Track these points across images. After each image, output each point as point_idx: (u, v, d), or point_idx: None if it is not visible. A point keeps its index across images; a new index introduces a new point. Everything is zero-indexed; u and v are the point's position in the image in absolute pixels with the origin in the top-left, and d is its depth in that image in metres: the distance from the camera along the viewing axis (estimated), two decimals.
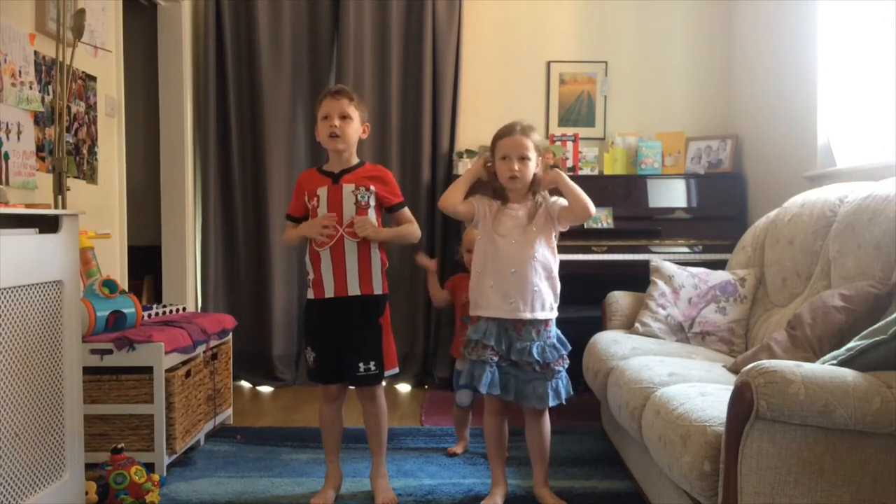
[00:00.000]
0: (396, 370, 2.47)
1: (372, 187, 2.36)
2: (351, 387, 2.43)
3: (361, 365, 2.33)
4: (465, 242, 2.88)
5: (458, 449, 2.90)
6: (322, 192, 2.35)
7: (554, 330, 2.33)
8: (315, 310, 2.39)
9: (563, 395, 2.31)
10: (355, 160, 2.42)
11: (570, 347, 2.34)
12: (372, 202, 2.36)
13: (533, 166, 2.28)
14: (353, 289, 2.33)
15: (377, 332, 2.36)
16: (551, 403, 2.29)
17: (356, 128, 2.37)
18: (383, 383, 2.44)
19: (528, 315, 2.26)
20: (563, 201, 2.30)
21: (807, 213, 2.64)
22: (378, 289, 2.37)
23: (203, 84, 4.14)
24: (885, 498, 1.48)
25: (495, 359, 2.27)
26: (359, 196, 2.34)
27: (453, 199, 2.35)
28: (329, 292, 2.33)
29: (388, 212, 2.43)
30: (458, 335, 2.89)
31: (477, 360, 2.28)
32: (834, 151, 3.26)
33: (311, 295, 2.38)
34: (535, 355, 2.25)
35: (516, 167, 2.26)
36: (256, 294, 4.18)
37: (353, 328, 2.35)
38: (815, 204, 2.63)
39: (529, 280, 2.25)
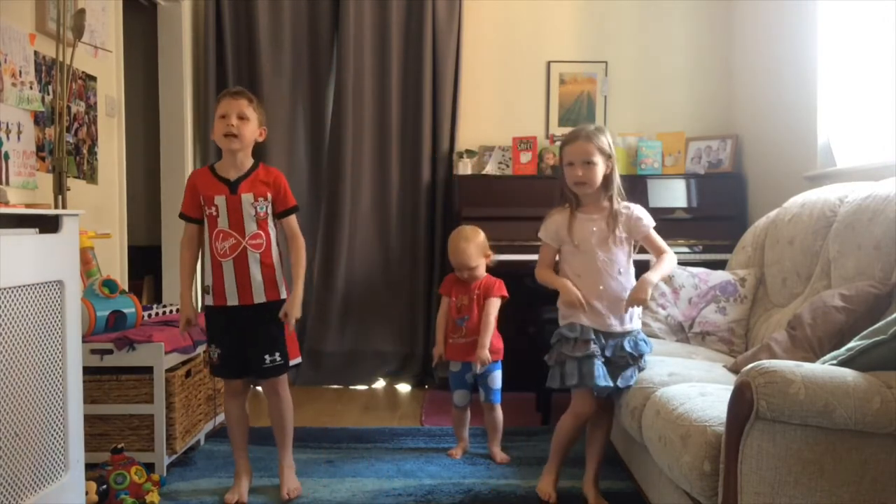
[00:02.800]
0: (299, 360, 2.50)
1: (269, 195, 2.37)
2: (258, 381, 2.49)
3: (267, 357, 2.37)
4: (452, 261, 2.88)
5: (458, 452, 2.88)
6: (220, 201, 2.34)
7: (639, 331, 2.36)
8: (216, 314, 2.41)
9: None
10: (250, 162, 2.41)
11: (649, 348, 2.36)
12: (270, 211, 2.38)
13: (601, 170, 2.26)
14: (259, 297, 2.36)
15: (280, 325, 2.39)
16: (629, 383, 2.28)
17: (253, 129, 2.37)
18: (286, 375, 2.48)
19: (618, 329, 2.29)
20: (646, 222, 2.31)
21: (807, 214, 2.64)
22: (283, 293, 2.42)
23: (203, 84, 4.14)
24: (886, 498, 1.48)
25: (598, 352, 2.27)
26: (258, 208, 2.35)
27: (544, 275, 2.38)
28: (232, 301, 2.36)
29: (277, 217, 2.41)
30: (449, 336, 2.89)
31: (583, 357, 2.25)
32: (834, 151, 3.26)
33: (210, 302, 2.40)
34: (628, 349, 2.27)
35: (580, 173, 2.26)
36: None
37: (256, 326, 2.38)
38: (815, 204, 2.63)
39: (618, 295, 2.27)
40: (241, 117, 2.33)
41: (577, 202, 2.34)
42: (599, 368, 2.23)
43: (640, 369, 2.29)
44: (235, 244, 2.34)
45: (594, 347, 2.25)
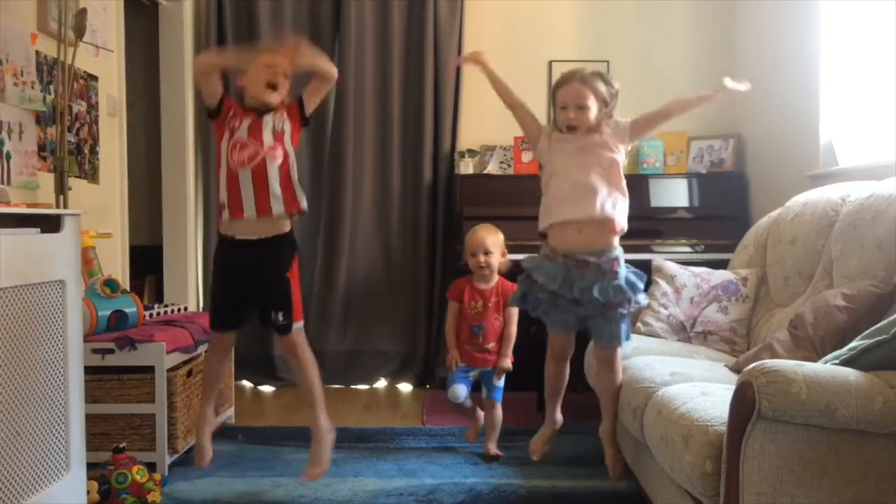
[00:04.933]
0: (301, 323, 2.44)
1: (285, 113, 2.37)
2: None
3: (272, 313, 2.35)
4: (469, 245, 2.88)
5: (472, 434, 2.96)
6: (246, 120, 2.33)
7: (622, 271, 2.21)
8: (227, 251, 2.37)
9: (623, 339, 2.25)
10: None
11: (639, 288, 2.22)
12: (288, 129, 2.36)
13: (594, 112, 2.20)
14: (277, 207, 2.30)
15: (287, 282, 2.37)
16: (606, 344, 2.24)
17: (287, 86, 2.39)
18: (303, 335, 2.43)
19: (595, 245, 2.18)
20: (627, 119, 2.24)
21: (809, 213, 2.64)
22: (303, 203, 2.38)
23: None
24: (888, 498, 1.48)
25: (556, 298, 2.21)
26: (275, 122, 2.34)
27: (513, 103, 2.37)
28: (249, 212, 2.29)
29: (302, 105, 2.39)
30: (465, 343, 2.90)
31: (543, 298, 2.23)
32: (836, 151, 3.25)
33: (226, 217, 2.33)
34: (596, 294, 2.16)
35: (572, 115, 2.20)
36: None
37: (265, 269, 2.34)
38: (817, 203, 2.63)
39: (593, 185, 2.17)
40: (287, 76, 2.34)
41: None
42: (557, 312, 2.24)
43: (623, 315, 2.18)
44: (254, 153, 2.30)
45: (545, 294, 2.20)
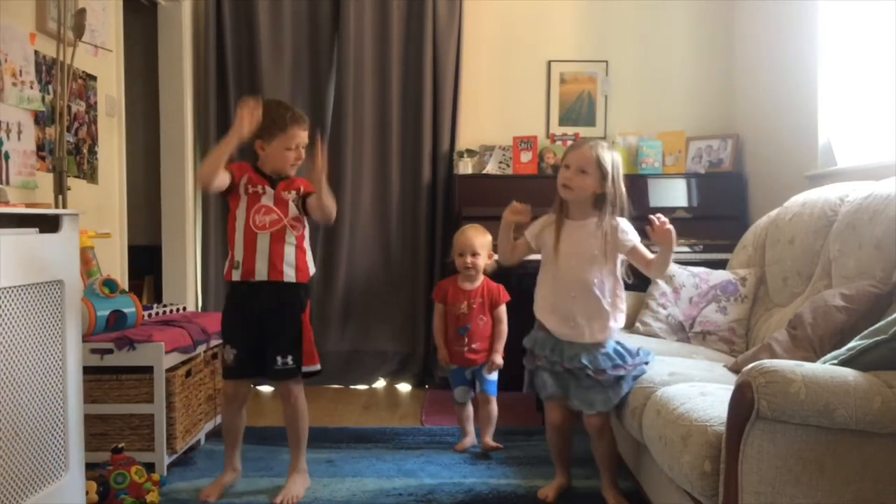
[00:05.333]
0: (317, 367, 2.49)
1: (301, 188, 2.44)
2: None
3: (279, 359, 2.38)
4: (457, 245, 2.88)
5: (466, 443, 2.91)
6: (266, 188, 2.40)
7: (609, 341, 2.27)
8: (237, 297, 2.42)
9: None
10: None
11: (630, 360, 2.27)
12: (300, 204, 2.43)
13: (591, 183, 2.24)
14: (289, 276, 2.38)
15: (299, 325, 2.42)
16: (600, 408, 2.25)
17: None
18: (300, 380, 2.47)
19: (581, 340, 2.26)
20: (630, 236, 2.26)
21: (807, 213, 2.64)
22: (308, 276, 2.45)
23: (203, 84, 4.14)
24: (886, 498, 1.48)
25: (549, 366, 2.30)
26: (291, 198, 2.41)
27: (507, 254, 2.41)
28: (261, 276, 2.36)
29: (306, 197, 2.43)
30: (452, 344, 2.90)
31: (533, 368, 2.36)
32: (835, 151, 3.25)
33: (237, 277, 2.38)
34: (585, 361, 2.23)
35: (570, 176, 2.25)
36: None
37: (275, 317, 2.39)
38: (815, 203, 2.63)
39: (590, 305, 2.26)
40: (304, 146, 2.43)
41: (566, 210, 2.32)
42: (549, 382, 2.30)
43: (615, 384, 2.22)
44: (277, 220, 2.37)
45: (543, 361, 2.30)
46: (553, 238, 2.31)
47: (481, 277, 2.90)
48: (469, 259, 2.83)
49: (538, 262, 2.40)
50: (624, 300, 2.32)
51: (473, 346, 2.86)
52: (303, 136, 2.41)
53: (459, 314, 2.88)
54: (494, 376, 2.92)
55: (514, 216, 2.33)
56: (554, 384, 2.30)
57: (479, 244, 2.85)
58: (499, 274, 2.95)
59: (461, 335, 2.87)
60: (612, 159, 2.26)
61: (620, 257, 2.31)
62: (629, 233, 2.28)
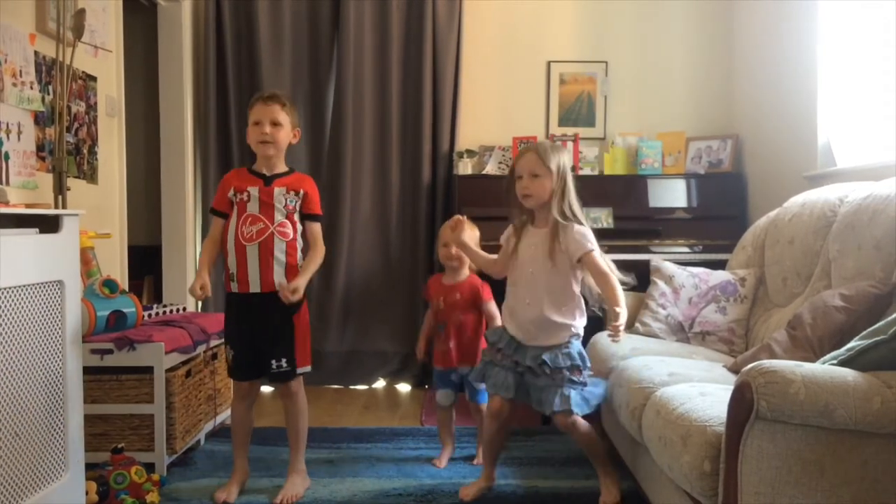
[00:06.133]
0: (308, 368, 2.49)
1: (302, 191, 2.43)
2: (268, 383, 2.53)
3: (274, 362, 2.41)
4: (441, 237, 2.76)
5: (443, 460, 2.78)
6: (253, 190, 2.40)
7: (573, 344, 2.29)
8: (235, 305, 2.43)
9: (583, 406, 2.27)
10: (284, 167, 2.48)
11: (588, 365, 2.31)
12: (298, 207, 2.43)
13: (547, 184, 2.27)
14: (280, 283, 2.37)
15: (292, 328, 2.43)
16: (557, 408, 2.25)
17: (287, 133, 2.44)
18: (300, 379, 2.49)
19: (536, 343, 2.30)
20: (584, 243, 2.24)
21: (807, 213, 2.64)
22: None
23: (203, 84, 4.14)
24: (886, 498, 1.48)
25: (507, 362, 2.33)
26: (288, 200, 2.41)
27: (490, 268, 2.49)
28: (255, 287, 2.38)
29: (303, 218, 2.45)
30: (436, 344, 2.81)
31: (488, 361, 2.38)
32: (834, 151, 3.25)
33: (234, 289, 2.41)
34: (546, 358, 2.25)
35: (525, 184, 2.28)
36: None
37: (270, 323, 2.40)
38: (815, 204, 2.63)
39: (543, 314, 2.28)
40: (275, 123, 2.39)
41: (531, 217, 2.36)
42: (499, 376, 2.33)
43: (571, 385, 2.25)
44: (263, 229, 2.37)
45: (499, 355, 2.34)
46: (518, 245, 2.36)
47: (466, 272, 2.75)
48: (453, 250, 2.69)
49: None
50: (583, 312, 2.32)
51: (451, 344, 2.71)
52: (267, 111, 2.38)
53: (437, 310, 2.77)
54: (483, 385, 2.73)
55: (451, 232, 2.46)
56: (512, 384, 2.31)
57: (466, 237, 2.68)
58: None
59: (440, 332, 2.76)
60: (558, 157, 2.29)
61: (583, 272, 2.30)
62: (583, 240, 2.25)
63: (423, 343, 2.90)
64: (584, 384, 2.29)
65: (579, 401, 2.26)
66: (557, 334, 2.29)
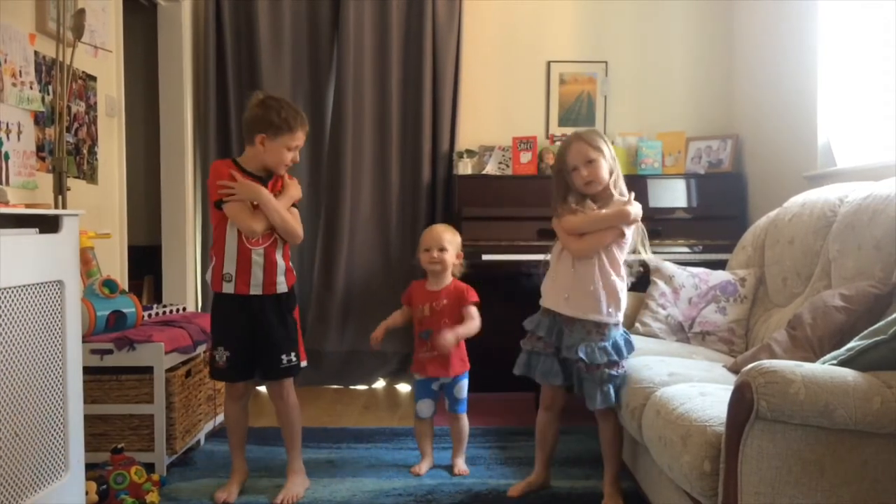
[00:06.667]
0: (305, 363, 2.53)
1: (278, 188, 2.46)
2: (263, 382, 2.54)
3: (284, 357, 2.42)
4: (423, 241, 2.71)
5: (423, 467, 2.70)
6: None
7: (612, 334, 2.29)
8: (229, 307, 2.42)
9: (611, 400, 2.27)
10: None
11: (625, 356, 2.31)
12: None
13: (606, 165, 2.27)
14: (282, 287, 2.42)
15: (293, 323, 2.47)
16: (599, 406, 2.26)
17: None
18: (291, 379, 2.51)
19: (570, 314, 2.28)
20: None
21: (807, 213, 2.64)
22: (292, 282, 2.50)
23: (203, 84, 4.13)
24: (886, 498, 1.48)
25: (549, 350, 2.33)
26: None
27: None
28: (256, 290, 2.39)
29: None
30: (416, 352, 2.72)
31: (531, 351, 2.36)
32: (834, 151, 3.26)
33: (230, 290, 2.39)
34: (581, 354, 2.25)
35: (585, 173, 2.27)
36: None
37: (270, 321, 2.41)
38: (815, 204, 2.63)
39: (583, 284, 2.26)
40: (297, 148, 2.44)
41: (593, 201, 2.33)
42: (546, 364, 2.32)
43: (611, 381, 2.25)
44: (268, 234, 2.40)
45: (541, 344, 2.33)
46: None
47: (449, 277, 2.69)
48: (435, 253, 2.63)
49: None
50: (624, 294, 2.31)
51: (436, 352, 2.61)
52: (303, 139, 2.43)
53: (422, 317, 2.67)
54: (464, 395, 2.70)
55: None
56: (560, 371, 2.32)
57: (448, 240, 2.65)
58: (469, 276, 2.80)
59: (424, 340, 2.66)
60: (602, 138, 2.31)
61: (625, 255, 2.32)
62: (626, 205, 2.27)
63: (381, 332, 2.75)
64: (625, 374, 2.27)
65: (613, 396, 2.27)
66: (596, 307, 2.25)
